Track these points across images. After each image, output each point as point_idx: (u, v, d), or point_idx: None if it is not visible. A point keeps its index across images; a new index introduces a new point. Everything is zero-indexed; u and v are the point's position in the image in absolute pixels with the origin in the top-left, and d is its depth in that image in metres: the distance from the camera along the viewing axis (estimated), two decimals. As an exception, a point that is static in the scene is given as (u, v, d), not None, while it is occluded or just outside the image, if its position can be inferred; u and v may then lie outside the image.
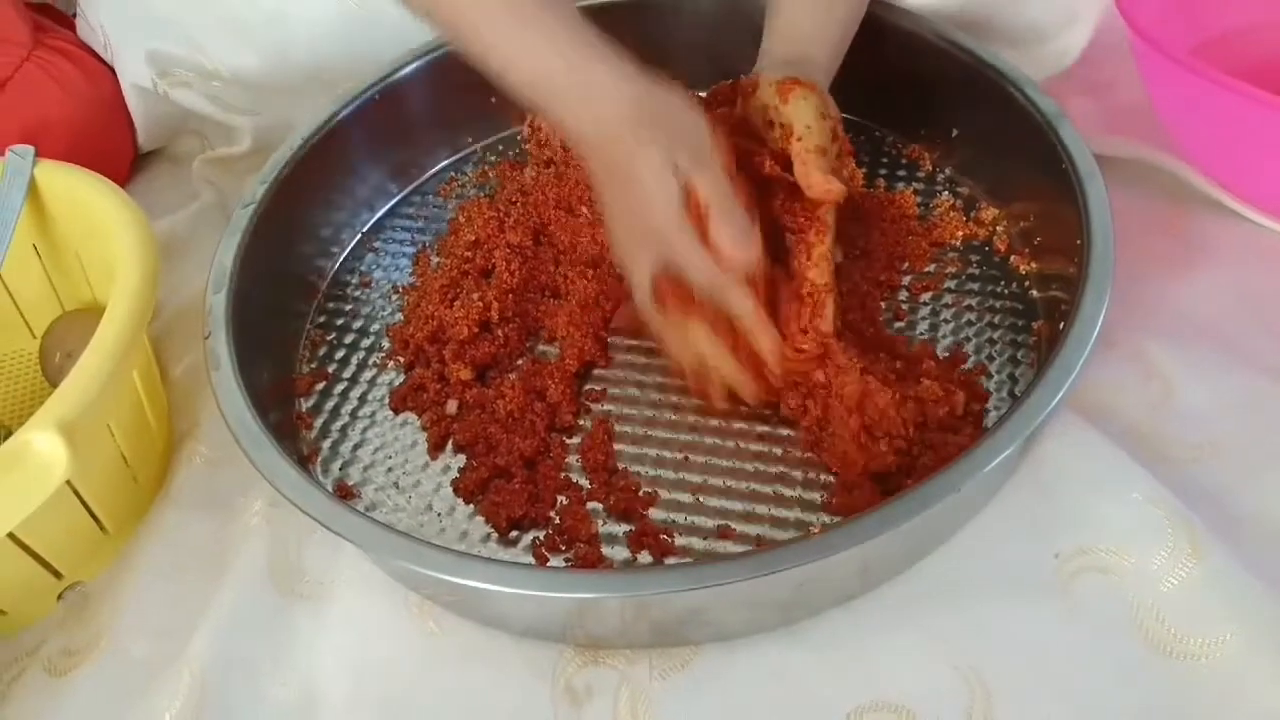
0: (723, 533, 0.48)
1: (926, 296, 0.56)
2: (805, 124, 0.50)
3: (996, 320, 0.54)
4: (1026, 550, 0.45)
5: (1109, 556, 0.44)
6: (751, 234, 0.48)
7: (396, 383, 0.57)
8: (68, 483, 0.44)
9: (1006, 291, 0.56)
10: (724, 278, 0.48)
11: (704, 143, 0.48)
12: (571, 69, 0.48)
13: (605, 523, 0.49)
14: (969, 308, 0.55)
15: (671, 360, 0.53)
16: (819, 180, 0.49)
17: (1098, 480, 0.46)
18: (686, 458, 0.51)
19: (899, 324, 0.55)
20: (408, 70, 0.65)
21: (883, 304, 0.56)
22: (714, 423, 0.53)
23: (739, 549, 0.47)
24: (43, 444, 0.42)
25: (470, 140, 0.71)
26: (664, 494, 0.50)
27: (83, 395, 0.44)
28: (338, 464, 0.54)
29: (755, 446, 0.51)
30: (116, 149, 0.76)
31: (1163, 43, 0.54)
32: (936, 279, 0.57)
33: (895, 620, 0.44)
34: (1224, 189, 0.58)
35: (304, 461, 0.53)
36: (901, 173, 0.64)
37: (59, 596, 0.51)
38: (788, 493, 0.49)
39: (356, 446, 0.54)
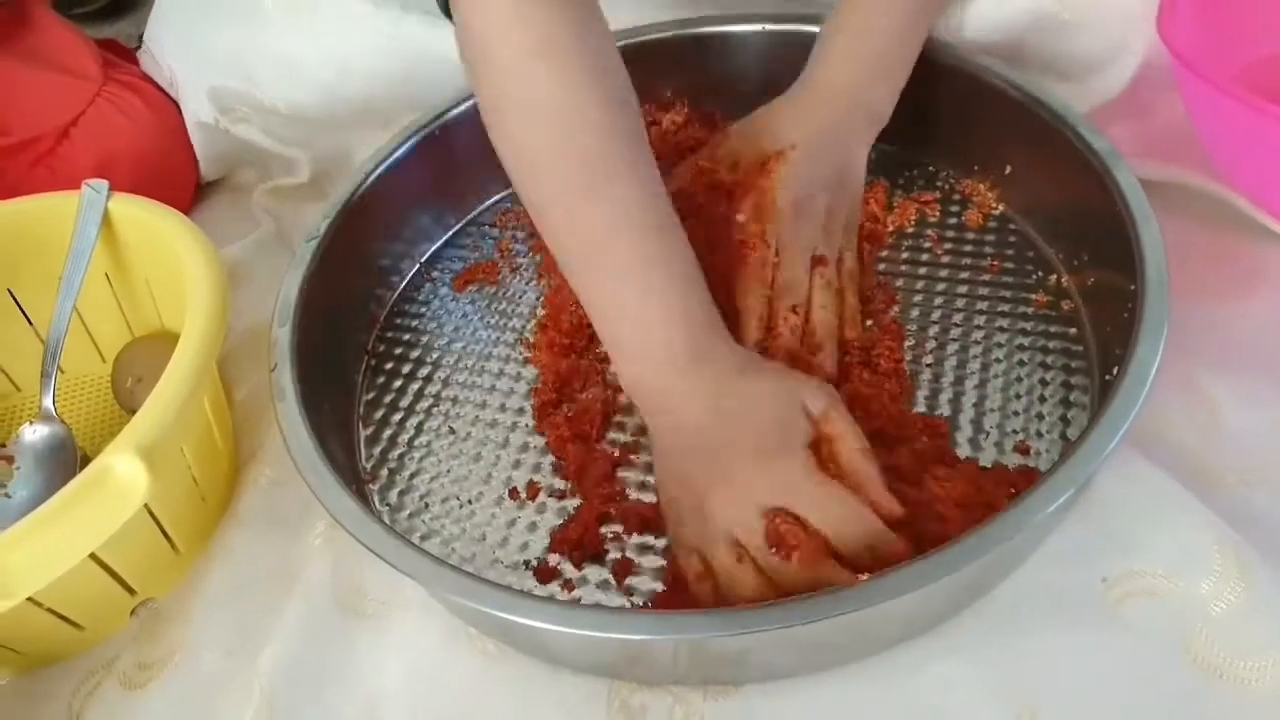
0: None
1: (979, 335, 0.56)
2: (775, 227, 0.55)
3: (1049, 360, 0.54)
4: (1074, 575, 0.46)
5: (1157, 581, 0.45)
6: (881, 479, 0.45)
7: (453, 411, 0.59)
8: (144, 504, 0.46)
9: (1059, 331, 0.56)
10: (866, 521, 0.44)
11: (832, 394, 0.47)
12: (690, 332, 0.47)
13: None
14: (1020, 347, 0.55)
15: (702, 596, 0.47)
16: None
17: (1145, 505, 0.47)
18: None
19: (950, 362, 0.55)
20: (464, 106, 0.67)
21: (933, 341, 0.56)
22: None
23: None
24: (124, 468, 0.44)
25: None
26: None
27: (160, 420, 0.46)
28: (395, 491, 0.55)
29: None
30: (180, 179, 0.79)
31: (1205, 69, 0.54)
32: (988, 315, 0.57)
33: (945, 644, 0.45)
34: (1270, 215, 0.58)
35: (362, 489, 0.55)
36: (954, 208, 0.64)
37: (132, 612, 0.53)
38: None
39: (413, 475, 0.56)
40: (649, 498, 0.52)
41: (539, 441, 0.56)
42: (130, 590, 0.52)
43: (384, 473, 0.56)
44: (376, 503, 0.55)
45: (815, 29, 0.63)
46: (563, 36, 0.47)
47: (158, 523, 0.51)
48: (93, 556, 0.47)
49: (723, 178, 0.59)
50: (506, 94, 0.49)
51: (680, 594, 0.47)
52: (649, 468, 0.53)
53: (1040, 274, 0.59)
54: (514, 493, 0.54)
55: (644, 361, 0.48)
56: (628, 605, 0.48)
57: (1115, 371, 0.46)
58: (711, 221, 0.57)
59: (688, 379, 0.47)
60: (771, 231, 0.56)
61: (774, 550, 0.43)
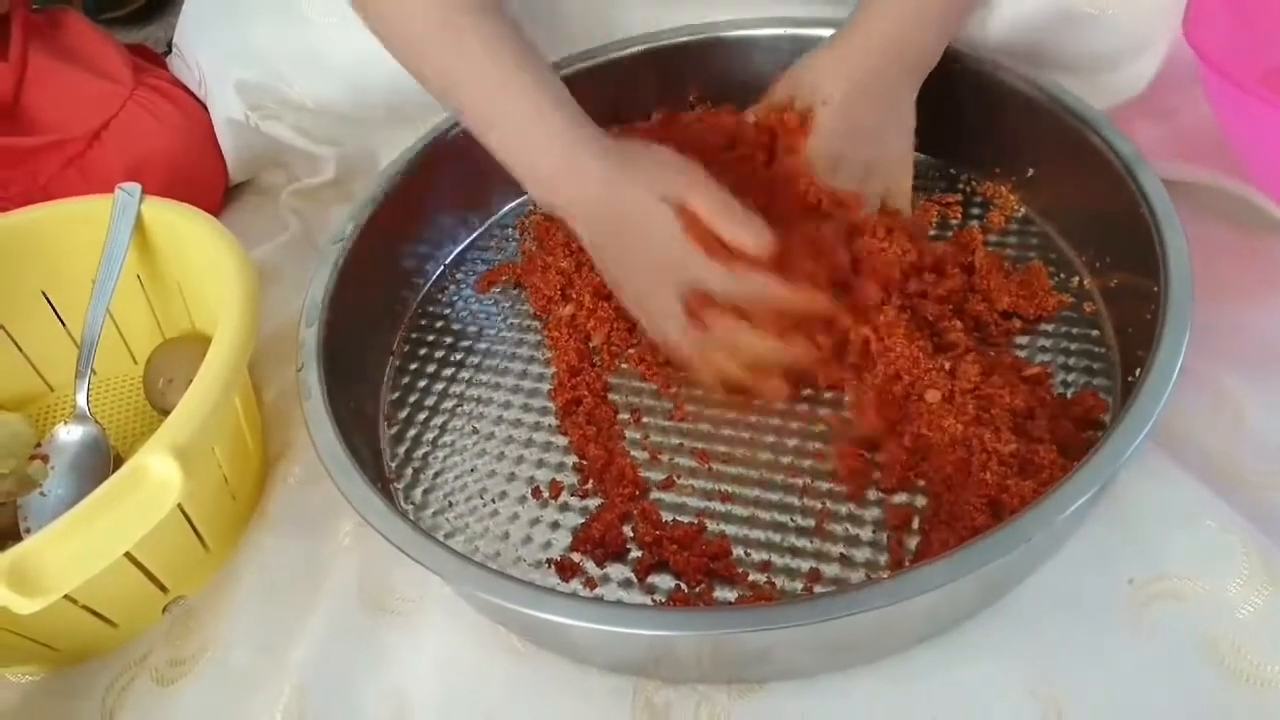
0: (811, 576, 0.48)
1: (1001, 337, 0.56)
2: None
3: (1071, 363, 0.54)
4: (1100, 578, 0.46)
5: (1183, 584, 0.45)
6: (758, 221, 0.50)
7: (477, 411, 0.59)
8: (177, 503, 0.47)
9: (1081, 333, 0.56)
10: (751, 275, 0.50)
11: (678, 164, 0.52)
12: (549, 150, 0.52)
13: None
14: (1043, 348, 0.55)
15: (708, 381, 0.55)
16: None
17: (1171, 508, 0.47)
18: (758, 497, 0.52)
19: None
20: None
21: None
22: (784, 460, 0.53)
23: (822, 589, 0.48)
24: (159, 467, 0.45)
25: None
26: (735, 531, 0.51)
27: (193, 421, 0.47)
28: (420, 490, 0.56)
29: (825, 485, 0.52)
30: (209, 182, 0.80)
31: (1231, 70, 0.54)
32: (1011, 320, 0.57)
33: (971, 645, 0.45)
34: (1297, 215, 0.58)
35: (387, 487, 0.56)
36: (976, 210, 0.64)
37: (164, 610, 0.54)
38: (861, 534, 0.50)
39: (438, 474, 0.56)
40: (670, 498, 0.53)
41: (562, 441, 0.57)
42: (162, 588, 0.52)
43: (409, 471, 0.57)
44: (401, 501, 0.56)
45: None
46: None
47: (189, 521, 0.51)
48: (127, 554, 0.48)
49: (762, 134, 0.60)
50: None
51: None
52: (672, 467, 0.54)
53: (1063, 276, 0.59)
54: (537, 491, 0.54)
55: (531, 153, 0.53)
56: (650, 603, 0.49)
57: (1138, 373, 0.46)
58: (765, 181, 0.58)
59: (571, 170, 0.52)
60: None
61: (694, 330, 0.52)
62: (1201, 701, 0.42)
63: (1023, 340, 0.56)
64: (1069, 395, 0.53)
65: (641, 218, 0.51)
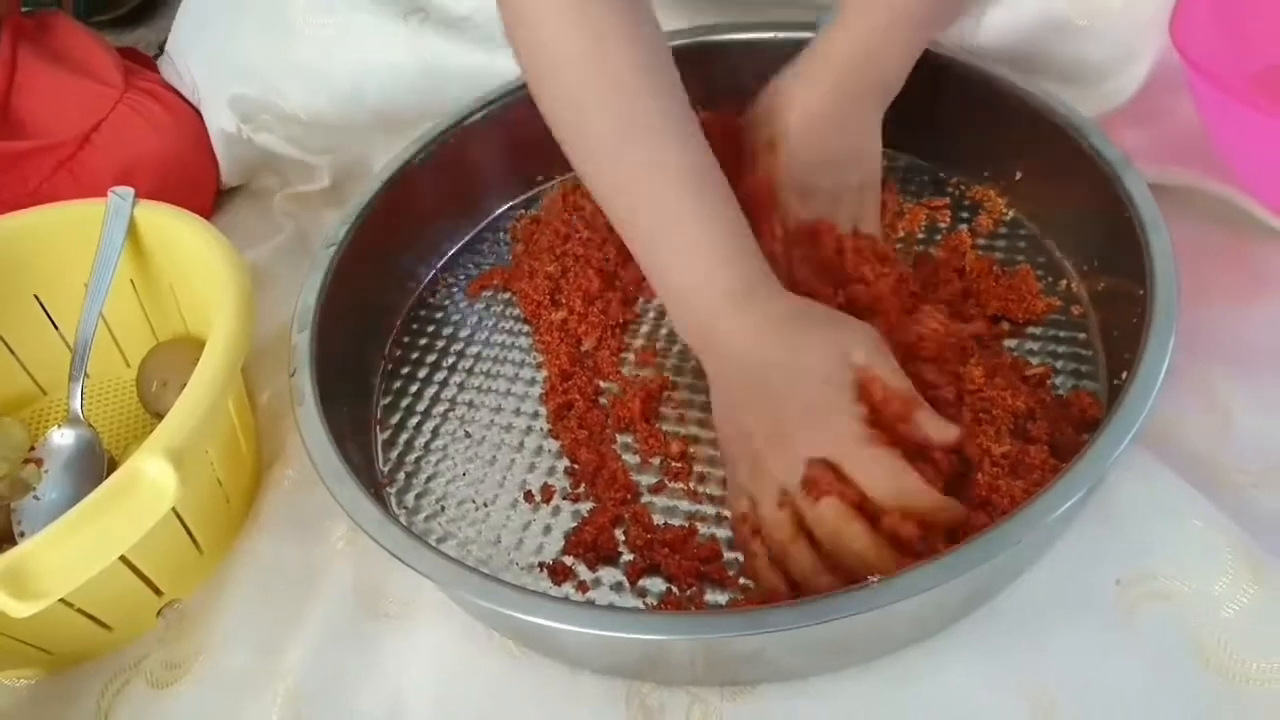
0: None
1: (989, 339, 0.56)
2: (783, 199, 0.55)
3: (1059, 365, 0.55)
4: (1088, 577, 0.46)
5: (1170, 583, 0.45)
6: (941, 418, 0.46)
7: (469, 415, 0.60)
8: (172, 507, 0.47)
9: (1068, 336, 0.56)
10: (906, 484, 0.44)
11: (876, 339, 0.48)
12: (735, 285, 0.48)
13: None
14: (1031, 351, 0.56)
15: (763, 569, 0.47)
16: None
17: (1158, 507, 0.47)
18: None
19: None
20: (479, 115, 0.68)
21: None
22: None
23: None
24: (154, 471, 0.45)
25: (540, 179, 0.73)
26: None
27: (187, 424, 0.47)
28: (412, 494, 0.56)
29: None
30: (201, 185, 0.80)
31: (1217, 74, 0.54)
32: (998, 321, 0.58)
33: (961, 646, 0.45)
34: (1282, 218, 0.59)
35: (380, 492, 0.56)
36: (965, 214, 0.64)
37: (158, 613, 0.54)
38: None
39: (430, 478, 0.57)
40: (661, 501, 0.53)
41: (553, 445, 0.57)
42: (157, 591, 0.53)
43: (401, 476, 0.57)
44: (394, 505, 0.56)
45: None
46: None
47: (184, 524, 0.52)
48: (121, 558, 0.48)
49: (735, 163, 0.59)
50: (541, 48, 0.50)
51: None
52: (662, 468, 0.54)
53: (1050, 279, 0.59)
54: (529, 495, 0.55)
55: (691, 301, 0.50)
56: (641, 606, 0.49)
57: (1124, 376, 0.46)
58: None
59: (733, 319, 0.48)
60: (777, 220, 0.57)
61: (806, 494, 0.45)
62: (1188, 699, 0.42)
63: (1011, 344, 0.56)
64: (1064, 396, 0.53)
65: (816, 367, 0.46)
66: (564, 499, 0.54)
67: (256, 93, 0.76)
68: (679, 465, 0.54)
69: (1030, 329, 0.57)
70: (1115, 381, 0.52)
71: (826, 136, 0.57)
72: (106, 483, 0.45)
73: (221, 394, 0.50)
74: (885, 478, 0.44)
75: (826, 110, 0.56)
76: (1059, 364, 0.55)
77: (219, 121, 0.78)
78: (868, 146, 0.59)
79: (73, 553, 0.44)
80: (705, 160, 0.50)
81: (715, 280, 0.49)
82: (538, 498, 0.54)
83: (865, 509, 0.44)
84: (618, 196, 0.51)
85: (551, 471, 0.56)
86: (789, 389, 0.47)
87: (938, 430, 0.46)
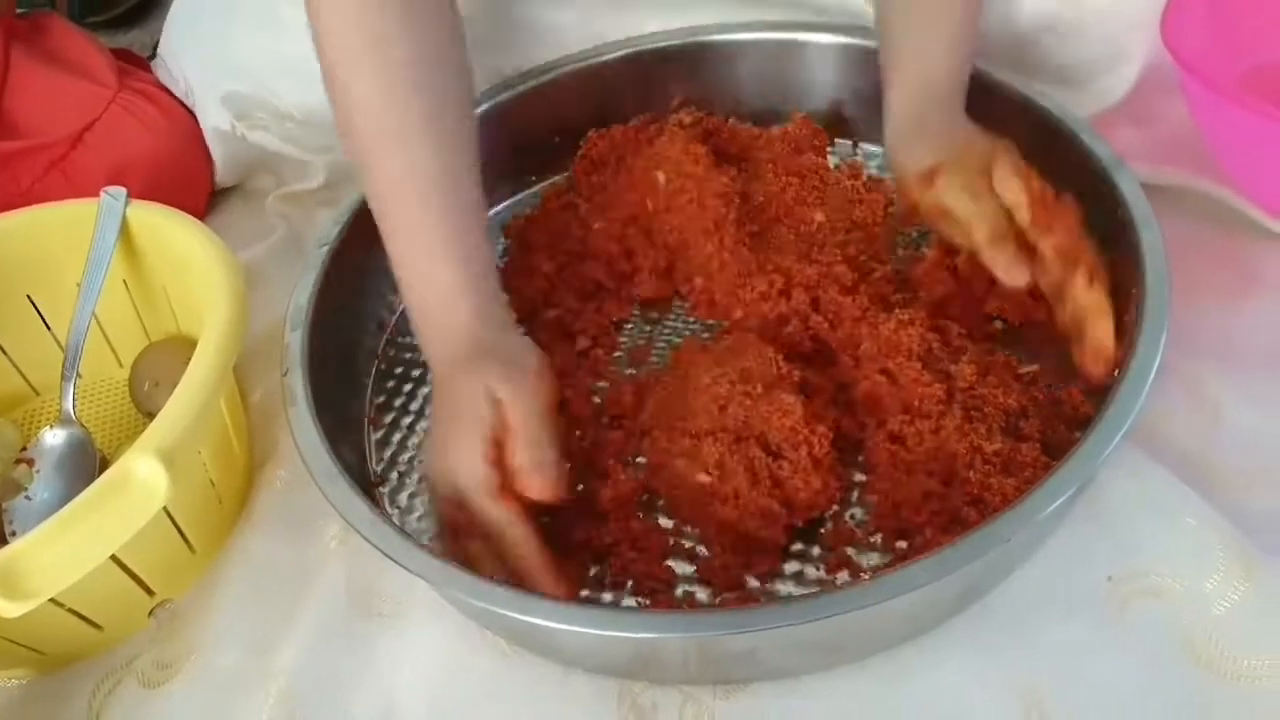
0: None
1: (981, 337, 0.56)
2: (965, 213, 0.51)
3: (1051, 365, 0.54)
4: (1080, 574, 0.46)
5: (1161, 580, 0.45)
6: (554, 470, 0.48)
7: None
8: (163, 506, 0.47)
9: (1062, 336, 0.54)
10: (510, 514, 0.47)
11: (526, 379, 0.50)
12: (442, 303, 0.52)
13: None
14: (1023, 349, 0.55)
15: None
16: (1002, 272, 0.50)
17: (1150, 505, 0.47)
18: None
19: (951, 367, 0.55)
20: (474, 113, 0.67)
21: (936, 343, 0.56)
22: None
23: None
24: (145, 471, 0.45)
25: (533, 179, 0.73)
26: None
27: (179, 424, 0.47)
28: (405, 494, 0.56)
29: None
30: (194, 185, 0.80)
31: (1208, 74, 0.55)
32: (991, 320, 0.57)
33: (953, 643, 0.45)
34: (1273, 216, 0.59)
35: (373, 491, 0.56)
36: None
37: (150, 613, 0.54)
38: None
39: (423, 478, 0.57)
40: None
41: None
42: (149, 591, 0.52)
43: (394, 475, 0.57)
44: (387, 505, 0.56)
45: (819, 37, 0.65)
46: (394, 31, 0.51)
47: (175, 524, 0.51)
48: (112, 558, 0.48)
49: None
50: (335, 73, 0.53)
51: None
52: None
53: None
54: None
55: (423, 316, 0.53)
56: (635, 605, 0.49)
57: (1116, 374, 0.46)
58: None
59: (447, 335, 0.52)
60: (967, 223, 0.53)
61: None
62: (1180, 696, 0.43)
63: (1004, 340, 0.56)
64: (1056, 394, 0.53)
65: (465, 398, 0.49)
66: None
67: (250, 90, 0.76)
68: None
69: (1028, 330, 0.56)
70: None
71: (964, 150, 0.55)
72: (97, 482, 0.45)
73: (213, 394, 0.49)
74: (494, 524, 0.47)
75: (948, 139, 0.56)
76: (1052, 363, 0.54)
77: (213, 120, 0.78)
78: (975, 135, 0.56)
79: (64, 552, 0.44)
80: (457, 164, 0.53)
81: (463, 298, 0.52)
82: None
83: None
84: (374, 200, 0.54)
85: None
86: (448, 415, 0.50)
87: (530, 462, 0.48)
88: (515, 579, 0.47)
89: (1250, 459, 0.50)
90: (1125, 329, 0.48)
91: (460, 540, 0.49)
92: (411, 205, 0.52)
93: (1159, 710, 0.42)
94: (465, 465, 0.48)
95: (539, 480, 0.47)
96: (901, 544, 0.49)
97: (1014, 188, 0.50)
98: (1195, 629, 0.44)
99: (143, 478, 0.45)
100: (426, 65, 0.52)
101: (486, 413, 0.48)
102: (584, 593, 0.50)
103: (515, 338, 0.53)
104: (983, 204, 0.51)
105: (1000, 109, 0.61)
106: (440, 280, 0.52)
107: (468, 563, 0.47)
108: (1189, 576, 0.45)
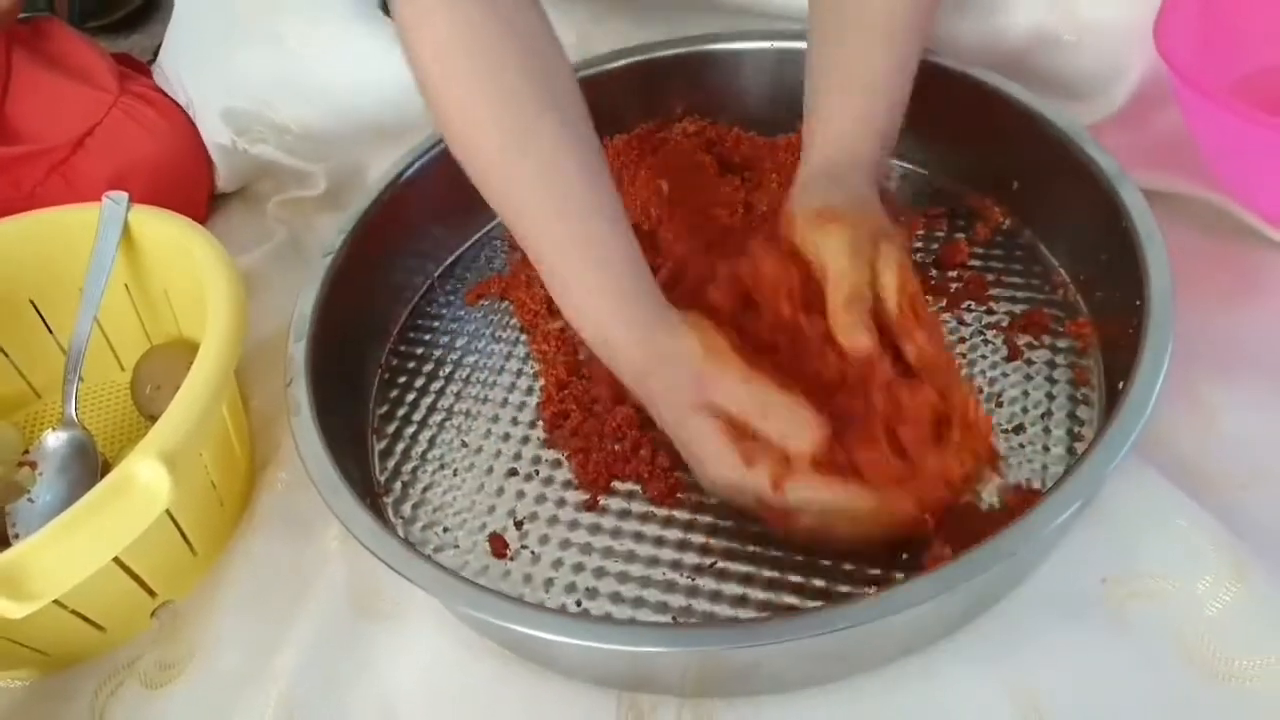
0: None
1: (986, 349, 0.57)
2: (835, 268, 0.49)
3: (1056, 375, 0.55)
4: (1076, 577, 0.47)
5: (1155, 583, 0.46)
6: (800, 413, 0.45)
7: (466, 425, 0.60)
8: (165, 508, 0.47)
9: (1066, 346, 0.56)
10: (800, 481, 0.44)
11: (700, 365, 0.47)
12: (604, 329, 0.50)
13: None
14: (1028, 361, 0.56)
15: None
16: (843, 335, 0.47)
17: (1144, 508, 0.48)
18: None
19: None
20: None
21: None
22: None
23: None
24: (147, 473, 0.45)
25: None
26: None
27: (181, 427, 0.48)
28: (409, 504, 0.56)
29: None
30: (195, 189, 0.81)
31: (1201, 81, 0.55)
32: (995, 329, 0.58)
33: (949, 648, 0.46)
34: (1268, 223, 0.59)
35: (376, 501, 0.56)
36: (961, 223, 0.65)
37: (152, 614, 0.54)
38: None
39: (427, 488, 0.57)
40: (660, 511, 0.53)
41: (550, 455, 0.57)
42: (151, 592, 0.53)
43: (397, 485, 0.57)
44: (390, 515, 0.56)
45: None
46: (488, 25, 0.49)
47: (178, 526, 0.52)
48: (115, 559, 0.48)
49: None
50: (431, 76, 0.51)
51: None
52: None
53: (1047, 288, 0.60)
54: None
55: (582, 318, 0.51)
56: (635, 618, 0.49)
57: (1121, 386, 0.47)
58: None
59: (618, 340, 0.49)
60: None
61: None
62: (1174, 697, 0.43)
63: (1007, 353, 0.56)
64: (1053, 408, 0.53)
65: (697, 443, 0.47)
66: (559, 507, 0.54)
67: (249, 105, 0.77)
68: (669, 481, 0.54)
69: (1027, 337, 0.57)
70: (1119, 385, 0.51)
71: (861, 217, 0.52)
72: (100, 485, 0.45)
73: (215, 397, 0.50)
74: (793, 425, 0.45)
75: (849, 202, 0.53)
76: (1056, 373, 0.55)
77: (214, 135, 0.79)
78: (880, 221, 0.53)
79: (67, 554, 0.44)
80: (602, 182, 0.51)
81: (619, 315, 0.49)
82: (534, 507, 0.54)
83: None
84: (515, 217, 0.51)
85: (549, 481, 0.56)
86: (656, 399, 0.49)
87: (780, 435, 0.46)
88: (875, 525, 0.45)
89: (1243, 462, 0.50)
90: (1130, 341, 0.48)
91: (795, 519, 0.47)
92: (551, 219, 0.50)
93: (1153, 711, 0.43)
94: (735, 478, 0.46)
95: (794, 442, 0.45)
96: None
97: (894, 272, 0.49)
98: (1188, 630, 0.44)
99: (145, 481, 0.45)
100: (535, 72, 0.50)
101: (714, 430, 0.46)
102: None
103: (671, 327, 0.49)
104: (856, 266, 0.49)
105: (1003, 117, 0.61)
106: (601, 308, 0.50)
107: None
108: (1182, 579, 0.45)
